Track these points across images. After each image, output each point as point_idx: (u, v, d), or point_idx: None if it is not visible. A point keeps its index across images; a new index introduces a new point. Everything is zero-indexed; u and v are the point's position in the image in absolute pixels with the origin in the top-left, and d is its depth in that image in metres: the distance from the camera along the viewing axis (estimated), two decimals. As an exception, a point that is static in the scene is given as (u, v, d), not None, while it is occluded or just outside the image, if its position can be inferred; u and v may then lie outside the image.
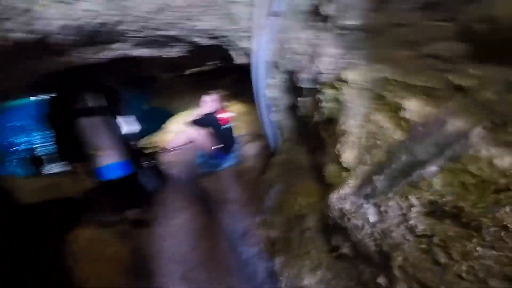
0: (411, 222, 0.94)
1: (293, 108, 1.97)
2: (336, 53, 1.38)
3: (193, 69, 6.65)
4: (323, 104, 1.36)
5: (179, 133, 3.90)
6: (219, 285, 2.71)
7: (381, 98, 1.08)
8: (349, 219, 1.12)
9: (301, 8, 1.68)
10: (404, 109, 0.99)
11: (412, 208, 0.94)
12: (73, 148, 2.59)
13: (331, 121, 1.28)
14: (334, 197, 1.16)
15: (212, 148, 3.61)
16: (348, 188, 1.10)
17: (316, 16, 1.54)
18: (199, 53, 2.51)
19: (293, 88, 1.84)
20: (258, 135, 4.19)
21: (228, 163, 3.66)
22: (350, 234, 1.14)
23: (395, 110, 1.03)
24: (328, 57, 1.41)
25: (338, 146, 1.18)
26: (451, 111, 0.87)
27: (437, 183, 0.88)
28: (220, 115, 3.49)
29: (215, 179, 3.55)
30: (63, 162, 3.29)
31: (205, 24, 1.96)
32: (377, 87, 1.11)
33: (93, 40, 1.96)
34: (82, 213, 3.17)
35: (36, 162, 4.09)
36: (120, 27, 1.85)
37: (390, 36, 1.17)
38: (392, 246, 0.98)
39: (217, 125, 3.47)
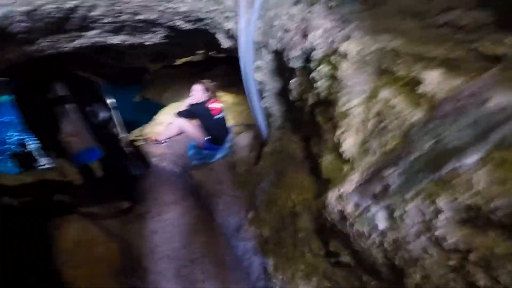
0: (438, 232, 0.72)
1: (284, 92, 1.80)
2: (330, 26, 1.20)
3: (183, 59, 6.50)
4: (318, 84, 1.17)
5: (170, 124, 3.75)
6: (214, 282, 2.63)
7: (390, 73, 0.86)
8: (351, 224, 0.92)
9: None
10: (424, 84, 0.75)
11: (439, 215, 0.71)
12: (50, 140, 2.71)
13: (329, 103, 1.09)
14: (332, 196, 0.94)
15: (204, 139, 3.48)
16: (350, 185, 0.88)
17: None
18: (183, 39, 2.34)
19: (284, 69, 1.68)
20: (251, 125, 4.07)
21: (221, 154, 3.53)
22: (352, 242, 0.94)
23: (410, 85, 0.79)
24: (321, 30, 1.24)
25: (338, 132, 0.96)
26: (489, 82, 0.62)
27: (480, 180, 0.62)
28: (212, 105, 3.33)
29: (208, 171, 3.43)
30: (48, 157, 3.36)
31: (187, 6, 1.78)
32: (383, 61, 0.89)
33: (64, 28, 1.80)
34: (71, 208, 3.11)
35: (27, 158, 4.00)
36: (93, 13, 1.69)
37: (393, 6, 1.01)
38: (407, 260, 0.78)
39: (209, 115, 3.32)
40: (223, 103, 3.57)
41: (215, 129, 3.44)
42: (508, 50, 0.64)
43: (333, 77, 1.08)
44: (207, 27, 2.03)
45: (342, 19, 1.18)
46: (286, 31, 1.55)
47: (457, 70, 0.71)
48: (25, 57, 1.93)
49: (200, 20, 1.92)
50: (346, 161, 0.93)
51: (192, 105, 3.41)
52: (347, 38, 1.06)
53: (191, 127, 3.49)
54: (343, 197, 0.92)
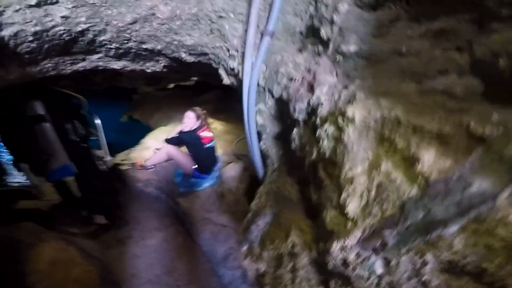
0: (425, 277, 0.89)
1: (283, 137, 1.86)
2: (335, 83, 1.27)
3: (176, 83, 6.54)
4: (323, 143, 1.23)
5: (159, 149, 3.72)
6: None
7: (391, 143, 0.97)
8: (353, 269, 1.04)
9: (297, 29, 1.60)
10: (421, 162, 0.89)
11: (426, 265, 0.89)
12: (25, 156, 2.76)
13: (333, 164, 1.17)
14: (337, 246, 1.06)
15: (192, 167, 3.46)
16: (353, 239, 1.01)
17: (314, 38, 1.46)
18: (185, 69, 2.40)
19: (286, 117, 1.73)
20: (239, 155, 4.10)
21: (208, 183, 3.51)
22: (353, 282, 1.06)
23: (409, 161, 0.93)
24: (327, 87, 1.30)
25: (344, 195, 1.06)
26: (474, 167, 0.80)
27: (458, 243, 0.82)
28: (203, 134, 3.35)
29: (195, 199, 3.39)
30: (23, 174, 3.25)
31: (194, 40, 1.86)
32: (385, 128, 0.99)
33: (70, 51, 1.81)
34: (47, 226, 3.01)
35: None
36: (102, 37, 1.72)
37: (394, 65, 1.09)
38: (400, 297, 0.94)
39: (199, 143, 3.33)
40: (213, 131, 3.58)
41: (204, 158, 3.45)
42: (493, 130, 0.77)
43: (338, 140, 1.15)
44: (211, 62, 2.09)
45: (346, 74, 1.26)
46: (292, 80, 1.59)
47: (448, 149, 0.87)
48: (26, 79, 1.91)
49: (204, 54, 1.99)
50: (350, 219, 1.05)
51: (182, 133, 3.42)
52: (352, 98, 1.13)
53: (179, 155, 3.48)
54: (346, 248, 1.06)
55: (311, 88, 1.41)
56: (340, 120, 1.15)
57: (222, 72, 2.08)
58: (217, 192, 3.36)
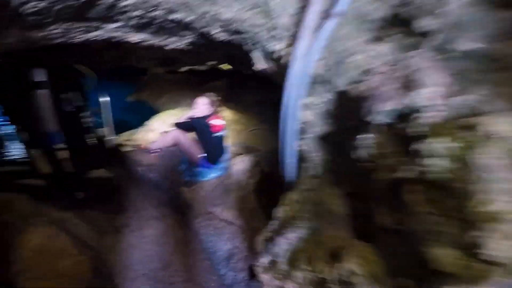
0: None
1: (339, 142, 1.58)
2: (448, 84, 1.01)
3: (189, 66, 6.30)
4: (431, 161, 0.96)
5: (165, 134, 3.51)
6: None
7: None
8: None
9: (374, 15, 1.35)
10: None
11: None
12: (20, 120, 2.84)
13: (448, 190, 0.92)
14: None
15: (199, 155, 3.26)
16: (489, 286, 0.78)
17: (403, 28, 1.22)
18: (210, 49, 2.17)
19: (351, 117, 1.44)
20: (249, 147, 3.90)
21: (214, 174, 3.33)
22: None
23: None
24: (434, 87, 1.03)
25: (479, 234, 0.83)
26: None
27: None
28: (213, 121, 3.15)
29: (199, 190, 3.21)
30: (22, 145, 3.22)
31: (232, 13, 1.61)
32: None
33: (85, 16, 1.59)
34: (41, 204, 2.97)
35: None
36: (124, 2, 1.50)
37: None
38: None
39: (208, 131, 3.14)
40: (223, 120, 3.37)
41: (212, 147, 3.25)
42: None
43: (460, 159, 0.90)
44: (245, 42, 1.85)
45: (463, 77, 1.01)
46: (367, 73, 1.32)
47: None
48: (27, 44, 1.69)
49: (239, 32, 1.75)
50: (487, 262, 0.82)
51: (192, 119, 3.22)
52: (484, 108, 0.89)
53: (187, 141, 3.28)
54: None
55: (404, 87, 1.16)
56: (463, 134, 0.91)
57: (258, 55, 1.83)
58: (224, 185, 3.18)
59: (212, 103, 3.20)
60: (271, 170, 3.08)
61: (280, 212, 1.51)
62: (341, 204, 1.34)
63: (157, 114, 5.02)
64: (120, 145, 4.00)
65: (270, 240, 1.36)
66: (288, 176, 1.94)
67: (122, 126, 4.58)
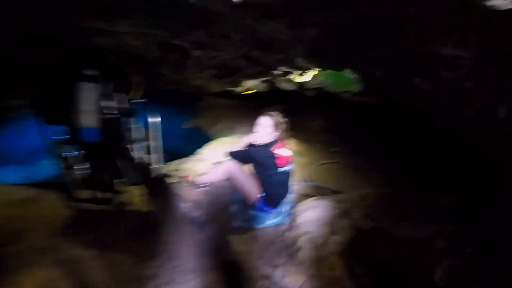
0: None
1: None
2: None
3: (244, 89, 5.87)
4: None
5: (216, 165, 2.83)
6: None
7: None
8: None
9: None
10: None
11: None
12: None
13: None
14: None
15: (257, 195, 2.49)
16: None
17: None
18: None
19: None
20: (324, 188, 3.03)
21: (275, 221, 2.55)
22: None
23: None
24: None
25: None
26: None
27: None
28: (279, 151, 2.38)
29: (253, 240, 2.45)
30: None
31: None
32: None
33: None
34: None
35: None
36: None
37: None
38: None
39: (272, 163, 2.37)
40: (291, 150, 2.56)
41: (274, 185, 2.47)
42: None
43: None
44: None
45: None
46: None
47: None
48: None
49: None
50: None
51: (251, 146, 2.49)
52: None
53: (242, 175, 2.54)
54: None
55: None
56: None
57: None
58: (288, 239, 2.33)
59: (278, 126, 2.45)
60: (374, 225, 2.13)
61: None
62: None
63: (209, 142, 4.45)
64: (166, 175, 3.44)
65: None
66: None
67: (173, 154, 4.12)
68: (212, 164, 3.25)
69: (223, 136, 4.75)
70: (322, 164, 3.61)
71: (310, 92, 5.72)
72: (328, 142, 4.54)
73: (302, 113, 5.39)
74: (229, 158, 2.62)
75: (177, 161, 3.84)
